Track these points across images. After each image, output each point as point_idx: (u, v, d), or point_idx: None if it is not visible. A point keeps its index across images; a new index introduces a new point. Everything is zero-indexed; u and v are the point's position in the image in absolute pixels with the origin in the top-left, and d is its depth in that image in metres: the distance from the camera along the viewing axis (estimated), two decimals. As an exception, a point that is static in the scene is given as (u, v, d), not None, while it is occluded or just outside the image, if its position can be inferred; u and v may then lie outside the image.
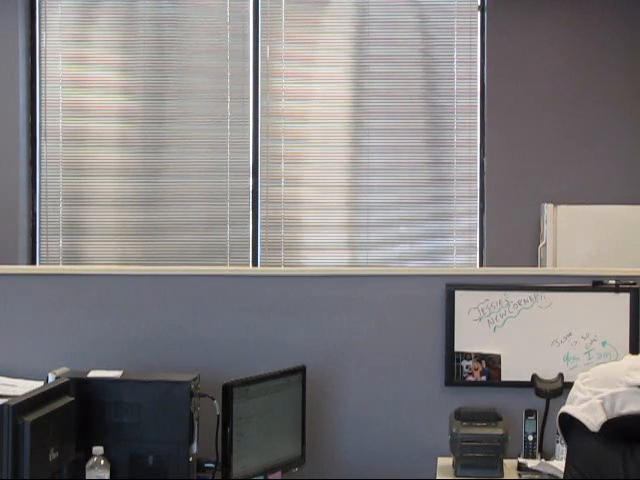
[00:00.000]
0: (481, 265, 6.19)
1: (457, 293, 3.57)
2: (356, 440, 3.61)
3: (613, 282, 3.54)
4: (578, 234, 5.71)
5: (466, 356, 3.57)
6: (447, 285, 3.59)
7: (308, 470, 3.49)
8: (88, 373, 3.21)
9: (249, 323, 3.60)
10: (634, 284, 3.54)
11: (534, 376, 3.47)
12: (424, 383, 3.60)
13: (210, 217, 6.38)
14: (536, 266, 5.77)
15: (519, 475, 3.32)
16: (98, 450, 3.00)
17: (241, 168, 6.39)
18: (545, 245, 5.77)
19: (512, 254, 5.92)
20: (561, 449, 3.32)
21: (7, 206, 6.25)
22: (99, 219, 6.40)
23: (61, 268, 3.63)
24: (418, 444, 3.56)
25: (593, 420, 2.27)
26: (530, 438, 3.42)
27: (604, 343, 3.54)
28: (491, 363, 3.57)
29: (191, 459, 3.12)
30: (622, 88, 6.12)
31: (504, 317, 3.57)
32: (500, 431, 3.30)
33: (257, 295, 3.63)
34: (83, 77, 6.44)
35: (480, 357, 3.57)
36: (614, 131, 6.11)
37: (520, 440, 3.42)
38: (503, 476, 3.28)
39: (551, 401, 3.39)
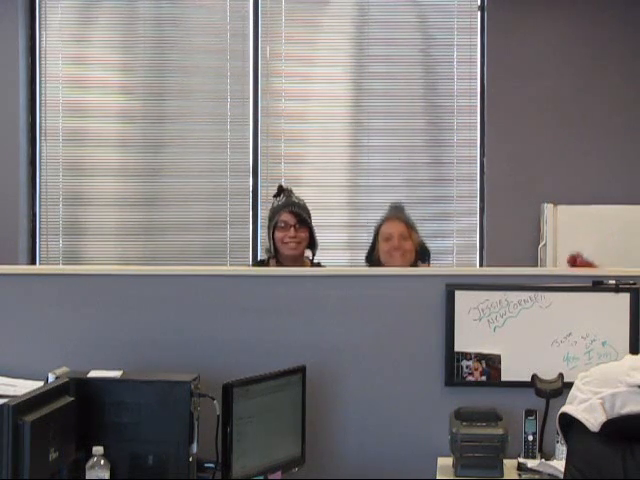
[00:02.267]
0: (481, 265, 6.19)
1: (457, 293, 3.57)
2: (356, 440, 3.61)
3: (613, 282, 3.54)
4: (578, 234, 5.71)
5: (466, 356, 3.57)
6: (447, 285, 3.58)
7: (308, 470, 3.49)
8: (88, 373, 3.21)
9: (249, 323, 3.60)
10: (634, 284, 3.54)
11: (534, 376, 3.47)
12: (424, 383, 3.60)
13: (210, 217, 6.38)
14: (536, 266, 5.77)
15: (519, 475, 3.32)
16: (98, 450, 3.00)
17: (241, 168, 6.39)
18: (545, 245, 5.77)
19: (512, 254, 5.91)
20: (561, 449, 3.32)
21: (7, 206, 6.25)
22: (99, 219, 6.40)
23: (61, 268, 3.63)
24: (418, 444, 3.55)
25: (593, 420, 2.27)
26: (530, 438, 3.42)
27: (604, 343, 3.54)
28: (491, 363, 3.57)
29: (191, 459, 3.12)
30: (622, 88, 6.12)
31: (504, 317, 3.57)
32: (500, 431, 3.29)
33: (257, 295, 3.62)
34: (83, 77, 6.44)
35: (480, 357, 3.57)
36: (614, 131, 6.11)
37: (520, 440, 3.42)
38: (503, 476, 3.28)
39: (551, 401, 3.39)
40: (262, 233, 6.33)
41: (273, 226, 4.27)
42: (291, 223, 4.23)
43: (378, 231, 4.36)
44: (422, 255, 4.39)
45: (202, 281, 3.68)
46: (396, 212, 4.44)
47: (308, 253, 4.34)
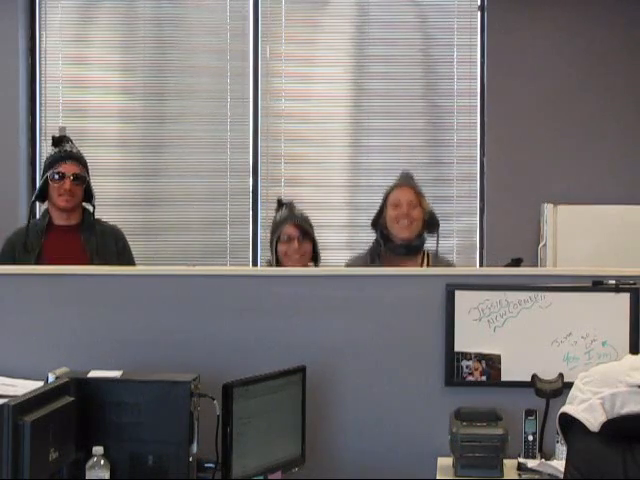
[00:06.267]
0: (481, 265, 6.18)
1: (457, 293, 3.57)
2: (356, 440, 3.60)
3: (613, 282, 3.54)
4: (578, 234, 5.71)
5: (466, 356, 3.57)
6: (447, 285, 3.58)
7: (308, 470, 3.49)
8: (88, 373, 3.21)
9: (249, 323, 3.60)
10: (634, 284, 3.54)
11: (534, 376, 3.47)
12: (424, 383, 3.60)
13: (210, 217, 6.37)
14: (536, 266, 5.77)
15: (519, 475, 3.32)
16: (98, 450, 3.00)
17: (241, 168, 6.39)
18: (545, 245, 5.77)
19: (512, 254, 5.89)
20: (561, 449, 3.31)
21: (7, 206, 6.24)
22: (99, 219, 6.39)
23: (61, 268, 3.62)
24: (418, 444, 3.55)
25: (593, 420, 2.27)
26: (530, 438, 3.42)
27: (604, 343, 3.54)
28: (491, 363, 3.57)
29: (191, 459, 3.12)
30: (622, 88, 6.12)
31: (504, 317, 3.57)
32: (500, 431, 3.29)
33: (257, 295, 3.62)
34: (83, 77, 6.44)
35: (480, 357, 3.57)
36: (614, 131, 6.11)
37: (520, 440, 3.41)
38: (503, 476, 3.28)
39: (551, 401, 3.39)
40: (262, 233, 6.33)
41: (276, 239, 4.24)
42: (294, 236, 4.20)
43: (387, 197, 4.29)
44: (430, 225, 4.33)
45: (202, 281, 3.67)
46: (406, 180, 4.37)
47: (311, 266, 4.30)
